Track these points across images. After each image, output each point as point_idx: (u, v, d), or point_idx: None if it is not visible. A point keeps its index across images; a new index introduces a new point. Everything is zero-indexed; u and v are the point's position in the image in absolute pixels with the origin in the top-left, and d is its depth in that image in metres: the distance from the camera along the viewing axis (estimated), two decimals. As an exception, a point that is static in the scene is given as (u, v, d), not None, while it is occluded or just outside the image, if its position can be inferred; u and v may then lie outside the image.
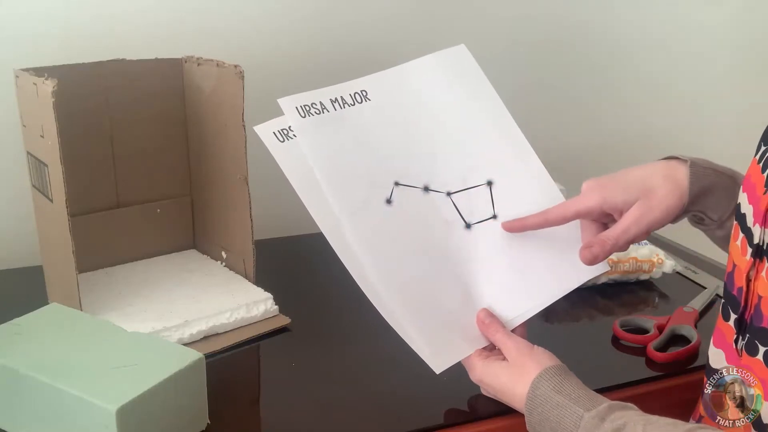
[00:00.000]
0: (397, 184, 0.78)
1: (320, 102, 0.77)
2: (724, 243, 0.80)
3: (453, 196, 0.80)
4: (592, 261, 0.75)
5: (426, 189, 0.79)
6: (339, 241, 0.73)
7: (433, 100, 0.83)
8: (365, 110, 0.79)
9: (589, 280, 1.02)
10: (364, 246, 0.74)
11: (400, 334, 0.73)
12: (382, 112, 0.80)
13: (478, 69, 0.85)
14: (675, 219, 0.78)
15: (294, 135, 0.76)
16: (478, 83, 0.85)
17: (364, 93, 0.79)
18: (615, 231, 0.75)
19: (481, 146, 0.82)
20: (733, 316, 0.69)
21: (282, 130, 0.76)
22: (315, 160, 0.75)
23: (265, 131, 0.76)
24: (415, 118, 0.81)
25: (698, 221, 0.79)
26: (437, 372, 0.73)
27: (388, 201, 0.77)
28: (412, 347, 0.73)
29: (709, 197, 0.76)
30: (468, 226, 0.79)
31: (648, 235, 0.78)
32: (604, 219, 0.79)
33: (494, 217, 0.80)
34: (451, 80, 0.84)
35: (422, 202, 0.78)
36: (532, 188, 0.82)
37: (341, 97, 0.78)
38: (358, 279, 0.73)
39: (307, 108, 0.76)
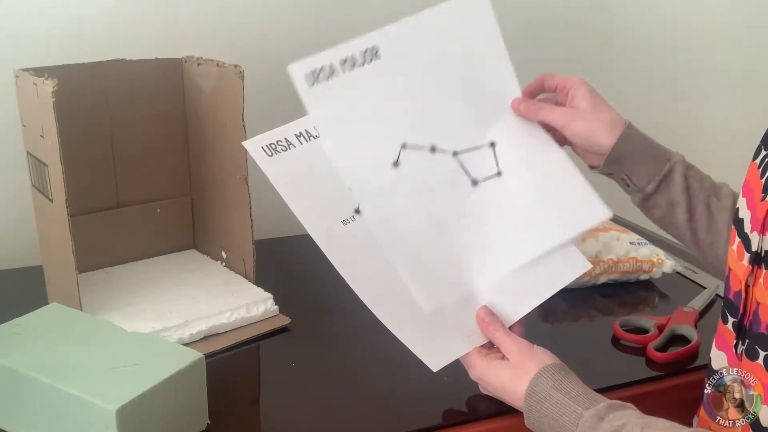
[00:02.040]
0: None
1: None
2: (659, 223, 0.84)
3: (458, 156, 0.79)
4: (515, 108, 0.82)
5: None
6: (332, 249, 0.74)
7: (438, 61, 0.80)
8: (375, 70, 0.75)
9: (589, 280, 1.03)
10: (356, 253, 0.75)
11: (396, 334, 0.73)
12: (392, 75, 0.77)
13: (492, 20, 0.81)
14: (596, 160, 0.82)
15: (281, 149, 0.76)
16: (489, 38, 0.81)
17: (375, 50, 0.76)
18: (547, 104, 0.82)
19: (486, 108, 0.82)
20: (731, 320, 0.69)
21: (270, 144, 0.77)
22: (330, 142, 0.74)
23: (253, 146, 0.77)
24: (421, 80, 0.79)
25: (625, 185, 0.83)
26: (434, 370, 0.73)
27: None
28: (408, 346, 0.73)
29: (635, 162, 0.81)
30: (474, 183, 0.79)
31: (565, 143, 0.83)
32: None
33: (499, 174, 0.80)
34: (460, 35, 0.81)
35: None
36: (536, 149, 0.82)
37: (352, 55, 0.75)
38: (351, 283, 0.73)
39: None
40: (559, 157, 0.81)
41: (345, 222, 0.76)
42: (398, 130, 0.77)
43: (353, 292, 0.73)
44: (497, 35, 0.81)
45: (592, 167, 0.84)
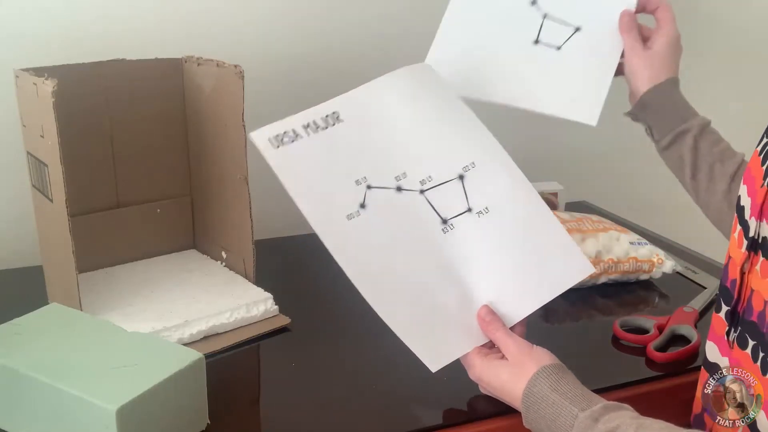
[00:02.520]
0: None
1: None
2: (673, 173, 0.92)
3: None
4: (621, 16, 0.92)
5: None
6: (337, 245, 0.74)
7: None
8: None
9: (589, 280, 1.03)
10: (360, 249, 0.75)
11: (396, 332, 0.73)
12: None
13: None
14: (631, 91, 0.92)
15: (288, 140, 0.77)
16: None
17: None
18: (635, 36, 0.91)
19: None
20: (724, 308, 0.69)
21: (277, 135, 0.77)
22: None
23: (259, 137, 0.77)
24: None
25: (648, 134, 0.93)
26: (433, 370, 0.73)
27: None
28: (408, 345, 0.73)
29: (658, 115, 0.89)
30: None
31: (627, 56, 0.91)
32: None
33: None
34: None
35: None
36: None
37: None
38: (353, 278, 0.73)
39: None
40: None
41: (350, 217, 0.76)
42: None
43: (353, 292, 0.73)
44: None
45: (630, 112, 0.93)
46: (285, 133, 0.77)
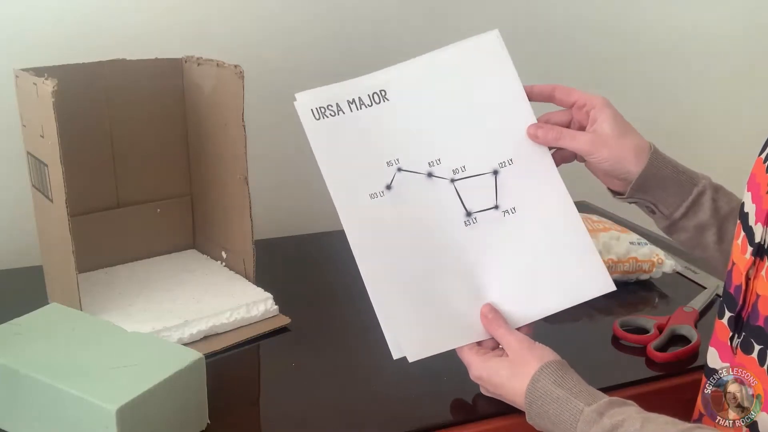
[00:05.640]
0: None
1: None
2: (685, 245, 0.82)
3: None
4: (532, 135, 0.80)
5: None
6: (352, 222, 0.74)
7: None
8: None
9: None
10: (373, 229, 0.75)
11: (384, 317, 0.73)
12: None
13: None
14: (619, 186, 0.80)
15: (330, 114, 0.76)
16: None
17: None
18: (567, 130, 0.79)
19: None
20: (727, 314, 0.69)
21: (320, 108, 0.76)
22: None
23: (303, 106, 0.76)
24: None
25: (650, 212, 0.82)
26: (410, 360, 0.73)
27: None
28: (387, 332, 0.73)
29: (662, 190, 0.78)
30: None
31: (582, 161, 0.80)
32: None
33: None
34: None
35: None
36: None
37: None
38: (357, 257, 0.74)
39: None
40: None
41: (373, 196, 0.76)
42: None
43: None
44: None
45: (614, 193, 0.82)
46: (329, 106, 0.77)
